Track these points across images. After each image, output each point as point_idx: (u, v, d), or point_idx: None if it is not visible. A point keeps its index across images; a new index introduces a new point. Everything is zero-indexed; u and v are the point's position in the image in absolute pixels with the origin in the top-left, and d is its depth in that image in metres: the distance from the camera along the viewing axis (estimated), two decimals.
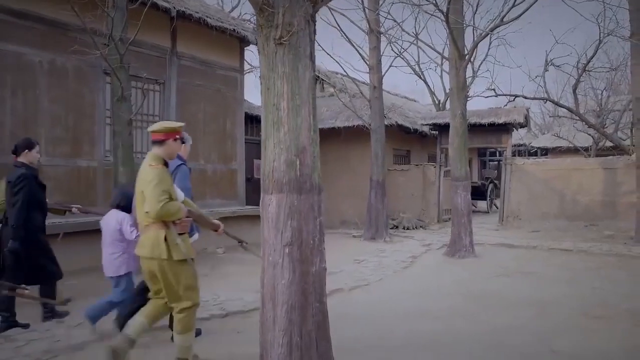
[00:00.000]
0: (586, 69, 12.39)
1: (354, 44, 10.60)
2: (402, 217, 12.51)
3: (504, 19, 7.60)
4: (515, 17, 7.47)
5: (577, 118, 12.86)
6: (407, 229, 12.13)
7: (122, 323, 3.52)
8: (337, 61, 12.31)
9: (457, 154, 8.49)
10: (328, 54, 14.57)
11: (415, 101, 20.64)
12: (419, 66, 15.40)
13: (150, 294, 3.46)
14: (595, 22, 11.07)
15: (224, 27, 9.40)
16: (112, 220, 4.07)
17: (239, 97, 10.81)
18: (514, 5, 7.43)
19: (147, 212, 3.17)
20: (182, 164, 4.00)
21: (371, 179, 11.08)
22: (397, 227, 12.23)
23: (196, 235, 3.99)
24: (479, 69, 11.79)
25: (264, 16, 2.35)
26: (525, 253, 8.73)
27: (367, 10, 10.20)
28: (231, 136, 10.57)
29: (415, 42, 11.75)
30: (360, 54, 10.84)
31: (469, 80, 12.22)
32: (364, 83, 12.77)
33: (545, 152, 20.68)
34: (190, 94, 9.51)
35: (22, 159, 4.44)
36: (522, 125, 12.24)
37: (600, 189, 11.37)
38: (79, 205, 5.19)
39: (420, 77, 15.71)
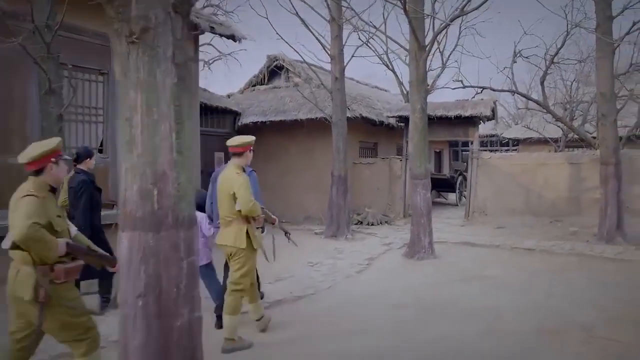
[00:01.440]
0: (554, 60, 12.12)
1: (314, 32, 10.10)
2: (367, 212, 12.14)
3: (464, 9, 7.20)
4: (475, 7, 7.06)
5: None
6: (372, 224, 11.77)
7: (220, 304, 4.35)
8: (296, 50, 11.62)
9: (417, 151, 8.10)
10: (286, 42, 14.01)
11: (386, 91, 20.22)
12: (387, 56, 14.92)
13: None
14: (563, 14, 10.81)
15: None
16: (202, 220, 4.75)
17: (192, 87, 10.23)
18: None
19: (239, 210, 4.05)
20: (252, 170, 4.81)
21: (332, 174, 10.66)
22: (361, 222, 11.87)
23: (265, 231, 4.74)
24: (448, 59, 11.35)
25: (113, 6, 1.86)
26: (487, 253, 8.44)
27: None
28: None
29: (374, 33, 11.23)
30: (321, 43, 10.34)
31: (437, 71, 11.86)
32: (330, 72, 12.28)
33: (516, 142, 20.55)
34: None
35: (82, 166, 5.11)
36: (489, 118, 11.92)
37: (565, 185, 11.17)
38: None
39: (388, 67, 15.23)
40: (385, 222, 12.12)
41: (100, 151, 8.36)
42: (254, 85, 15.15)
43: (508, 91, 12.05)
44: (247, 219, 4.11)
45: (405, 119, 12.89)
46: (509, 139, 20.71)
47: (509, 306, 5.38)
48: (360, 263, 7.70)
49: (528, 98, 11.90)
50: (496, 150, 23.13)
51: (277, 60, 14.48)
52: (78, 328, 2.76)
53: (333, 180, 10.66)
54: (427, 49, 7.74)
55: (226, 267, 4.64)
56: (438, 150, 20.78)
